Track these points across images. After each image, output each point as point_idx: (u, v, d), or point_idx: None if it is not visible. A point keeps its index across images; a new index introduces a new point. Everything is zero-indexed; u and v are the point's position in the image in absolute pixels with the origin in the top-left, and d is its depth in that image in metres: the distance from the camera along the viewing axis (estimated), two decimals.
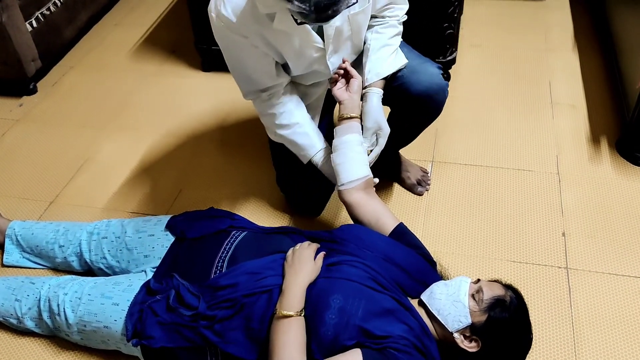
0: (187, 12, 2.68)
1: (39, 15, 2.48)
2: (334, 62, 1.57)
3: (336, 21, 1.49)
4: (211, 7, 1.49)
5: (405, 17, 1.69)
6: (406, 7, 1.68)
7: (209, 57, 2.58)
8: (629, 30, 2.28)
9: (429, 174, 2.01)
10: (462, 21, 2.50)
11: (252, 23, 1.45)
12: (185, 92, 2.53)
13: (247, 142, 2.24)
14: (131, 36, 2.92)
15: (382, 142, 1.59)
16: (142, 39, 2.90)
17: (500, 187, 1.99)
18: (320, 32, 1.52)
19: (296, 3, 1.22)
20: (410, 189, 1.97)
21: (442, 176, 2.04)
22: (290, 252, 1.38)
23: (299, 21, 1.33)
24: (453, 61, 2.39)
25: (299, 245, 1.39)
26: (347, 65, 1.56)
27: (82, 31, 2.88)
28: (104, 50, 2.84)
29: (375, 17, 1.65)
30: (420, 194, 1.97)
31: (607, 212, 1.88)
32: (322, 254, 1.36)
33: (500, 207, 1.91)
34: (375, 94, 1.59)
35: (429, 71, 1.64)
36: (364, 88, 1.60)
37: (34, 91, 2.56)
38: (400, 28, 1.68)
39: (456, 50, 2.38)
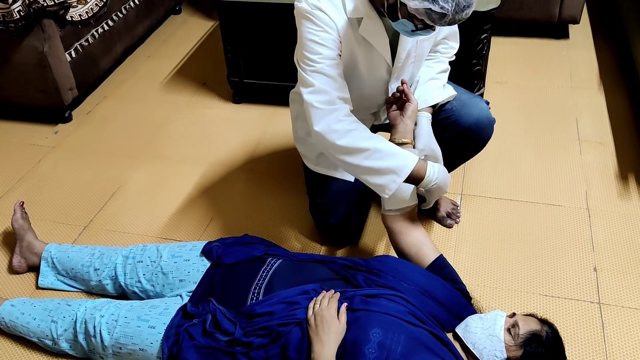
0: (217, 46, 2.77)
1: (78, 46, 2.57)
2: (392, 89, 1.61)
3: (408, 44, 1.53)
4: (303, 2, 1.45)
5: (454, 58, 1.75)
6: (457, 46, 1.75)
7: (240, 90, 2.64)
8: None
9: (458, 207, 2.02)
10: (488, 59, 2.54)
11: (345, 25, 1.46)
12: (215, 122, 2.59)
13: (276, 171, 2.28)
14: (163, 68, 3.00)
15: (441, 161, 1.60)
16: (174, 70, 2.98)
17: (530, 221, 1.99)
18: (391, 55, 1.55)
19: (441, 2, 1.25)
20: (440, 221, 1.99)
21: (472, 209, 2.05)
22: (310, 312, 1.32)
23: (418, 28, 1.34)
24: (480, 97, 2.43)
25: (318, 301, 1.34)
26: (406, 87, 1.55)
27: (117, 62, 2.97)
28: (137, 81, 2.92)
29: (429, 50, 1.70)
30: (450, 227, 1.98)
31: (638, 248, 1.87)
32: (344, 306, 1.32)
33: (531, 240, 1.92)
34: (425, 117, 1.62)
35: (479, 105, 1.68)
36: None
37: (69, 119, 2.63)
38: (448, 67, 1.73)
39: (484, 86, 2.41)
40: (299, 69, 1.51)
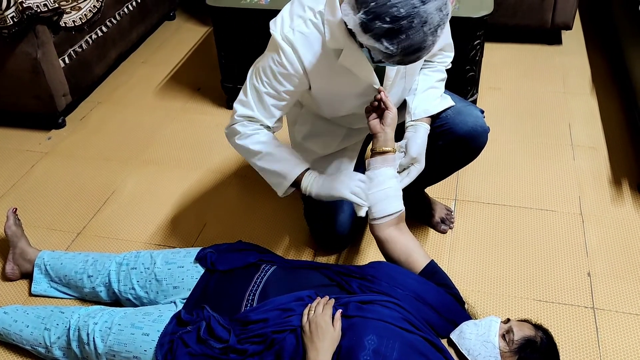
0: (211, 52, 2.77)
1: (72, 52, 2.56)
2: None
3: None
4: (277, 30, 1.48)
5: (450, 65, 1.74)
6: (453, 54, 1.74)
7: (234, 96, 2.62)
8: None
9: (452, 213, 2.03)
10: (481, 64, 2.56)
11: (321, 59, 1.46)
12: (209, 128, 2.58)
13: None
14: (158, 73, 3.00)
15: (414, 175, 1.60)
16: (168, 76, 2.98)
17: (523, 226, 2.00)
18: (378, 72, 1.53)
19: (385, 44, 1.24)
20: (434, 226, 1.99)
21: (465, 215, 2.05)
22: (305, 318, 1.32)
23: (375, 60, 1.33)
24: (474, 103, 2.43)
25: (313, 308, 1.34)
26: (383, 95, 1.53)
27: (111, 68, 2.96)
28: (131, 86, 2.92)
29: (425, 60, 1.69)
30: (443, 232, 1.98)
31: (632, 253, 1.88)
32: (339, 312, 1.32)
33: (524, 246, 1.92)
34: (423, 128, 1.62)
35: (474, 113, 1.68)
36: (412, 121, 1.63)
37: (62, 125, 2.63)
38: (445, 75, 1.73)
39: (477, 92, 2.42)
40: (250, 71, 1.56)
